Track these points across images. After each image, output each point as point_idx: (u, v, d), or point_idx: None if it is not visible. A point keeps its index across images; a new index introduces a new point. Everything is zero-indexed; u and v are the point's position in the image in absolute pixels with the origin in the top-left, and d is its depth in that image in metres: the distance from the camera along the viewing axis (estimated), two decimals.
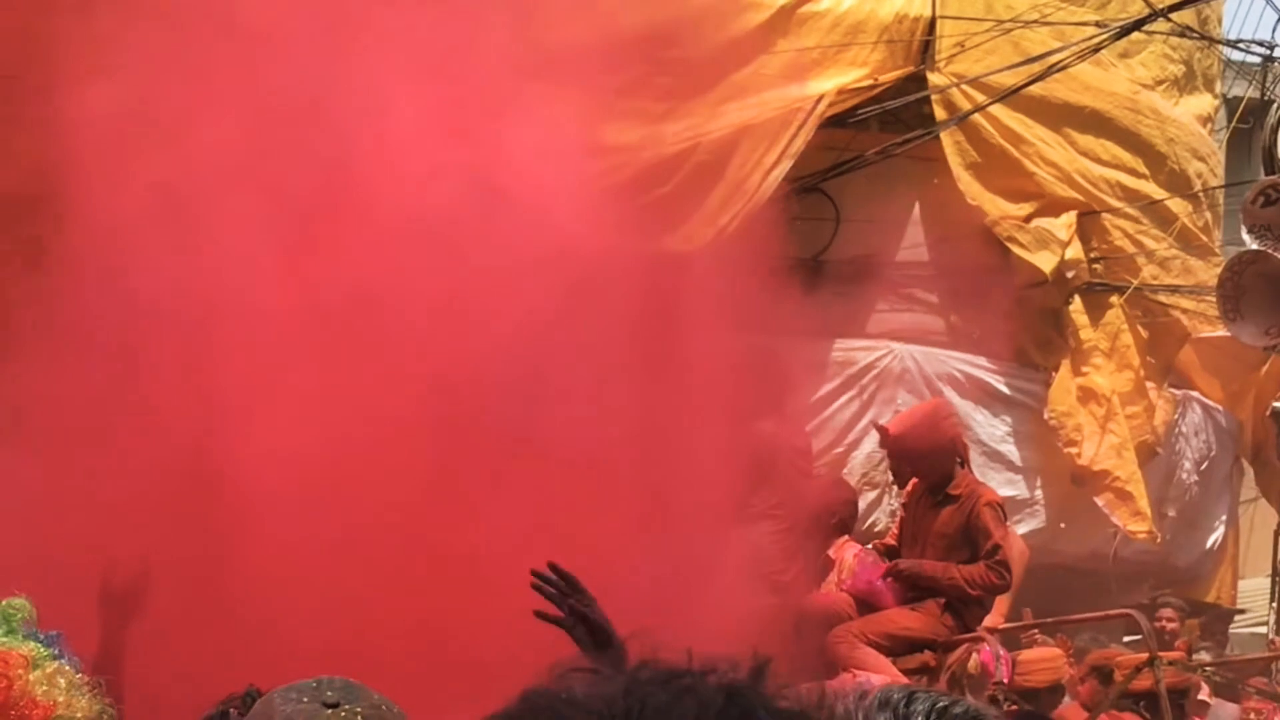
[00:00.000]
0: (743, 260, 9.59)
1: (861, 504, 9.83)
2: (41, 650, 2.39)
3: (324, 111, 6.65)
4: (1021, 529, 10.23)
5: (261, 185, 6.31)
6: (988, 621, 7.87)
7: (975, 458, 10.28)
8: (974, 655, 7.63)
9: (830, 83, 10.02)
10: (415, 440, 6.13)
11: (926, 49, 10.28)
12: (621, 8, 9.61)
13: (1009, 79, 10.33)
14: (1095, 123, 10.93)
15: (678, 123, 9.78)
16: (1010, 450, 10.70)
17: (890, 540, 8.21)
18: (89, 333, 6.04)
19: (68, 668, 2.41)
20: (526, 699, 1.04)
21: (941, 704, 1.63)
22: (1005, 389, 10.72)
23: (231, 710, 2.61)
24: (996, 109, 10.42)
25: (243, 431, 5.95)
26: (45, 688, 2.33)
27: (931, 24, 10.27)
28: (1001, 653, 7.79)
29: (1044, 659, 8.37)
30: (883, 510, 10.17)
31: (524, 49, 8.82)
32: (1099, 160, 10.94)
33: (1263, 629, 12.45)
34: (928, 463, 7.72)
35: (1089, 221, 10.87)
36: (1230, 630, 12.58)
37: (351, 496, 5.94)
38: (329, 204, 6.49)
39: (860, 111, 10.20)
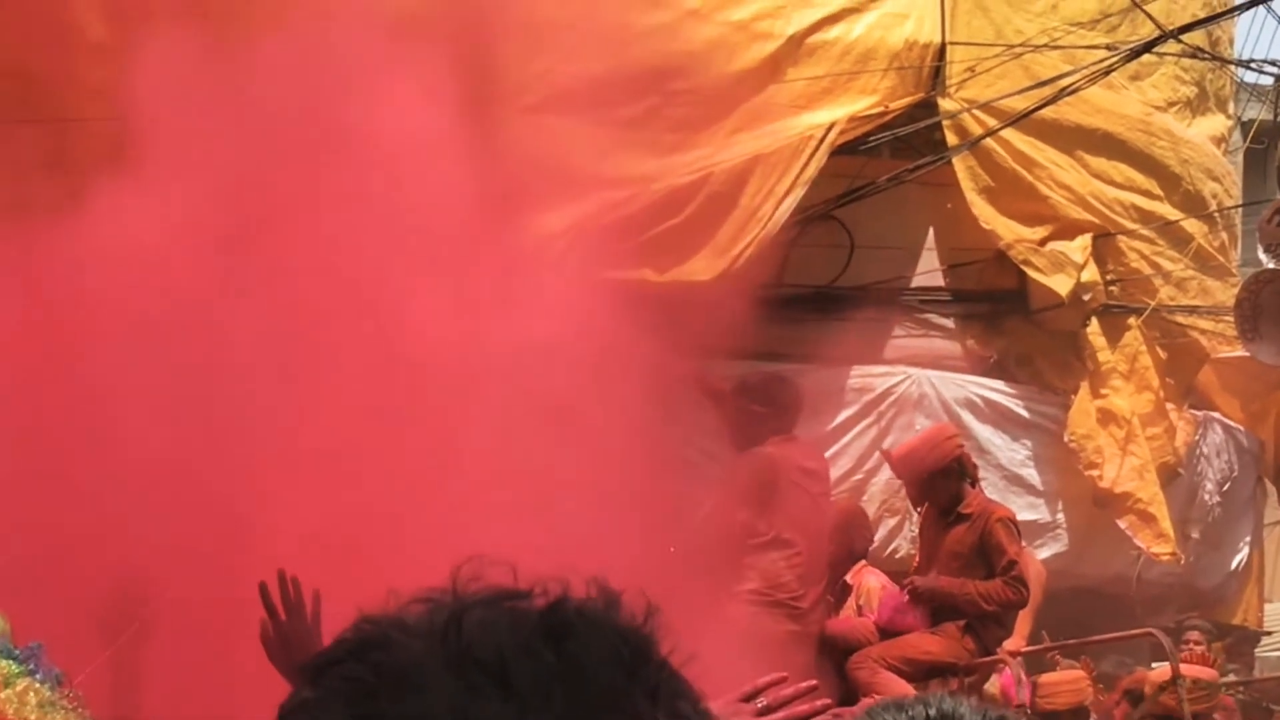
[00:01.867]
0: (757, 289, 9.64)
1: (882, 531, 9.83)
2: (14, 668, 2.41)
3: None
4: (1044, 553, 10.19)
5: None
6: (1009, 644, 7.85)
7: (996, 482, 10.30)
8: (994, 678, 7.61)
9: (841, 110, 10.06)
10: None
11: (937, 75, 10.30)
12: (632, 40, 9.68)
13: (1020, 103, 10.34)
14: (1108, 145, 10.93)
15: (689, 153, 9.83)
16: (1031, 474, 10.67)
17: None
18: (78, 346, 6.09)
19: (40, 685, 2.42)
20: (359, 627, 1.06)
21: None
22: (1024, 412, 10.70)
23: None
24: (1008, 133, 10.44)
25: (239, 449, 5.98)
26: (16, 706, 2.35)
27: (941, 50, 10.30)
28: (1023, 676, 7.76)
29: (1067, 681, 8.34)
30: (903, 537, 10.13)
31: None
32: (1113, 182, 10.94)
33: None
34: (933, 484, 7.73)
35: (1104, 243, 10.87)
36: (1256, 653, 12.50)
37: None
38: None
39: (872, 138, 10.23)
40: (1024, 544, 8.91)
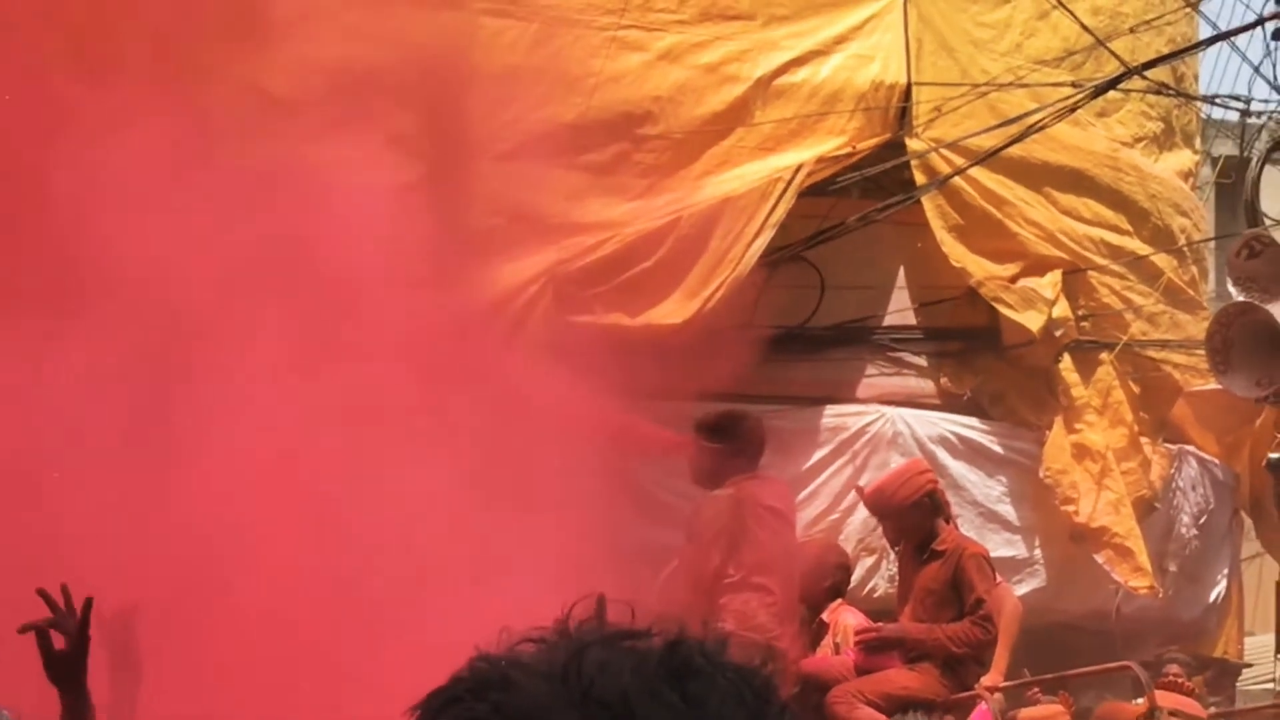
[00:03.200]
0: (729, 331, 9.68)
1: (859, 569, 9.84)
2: None
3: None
4: (1022, 589, 10.19)
5: None
6: (986, 680, 7.85)
7: (972, 519, 10.32)
8: (972, 714, 7.61)
9: (809, 152, 10.14)
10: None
11: (904, 115, 10.38)
12: (600, 86, 9.76)
13: (987, 141, 10.43)
14: (1076, 181, 11.02)
15: (659, 198, 9.91)
16: (1007, 510, 10.69)
17: None
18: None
19: None
20: (474, 666, 1.06)
21: None
22: (999, 449, 10.73)
23: None
24: (977, 171, 10.51)
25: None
26: None
27: (908, 90, 10.38)
28: (1001, 712, 7.76)
29: (1045, 717, 8.34)
30: (881, 576, 10.15)
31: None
32: (1081, 219, 11.02)
33: (1270, 684, 12.36)
34: (905, 519, 7.75)
35: (1075, 279, 10.93)
36: (1238, 686, 12.50)
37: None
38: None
39: (840, 179, 10.30)
40: (1001, 579, 8.93)
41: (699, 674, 1.03)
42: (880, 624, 7.85)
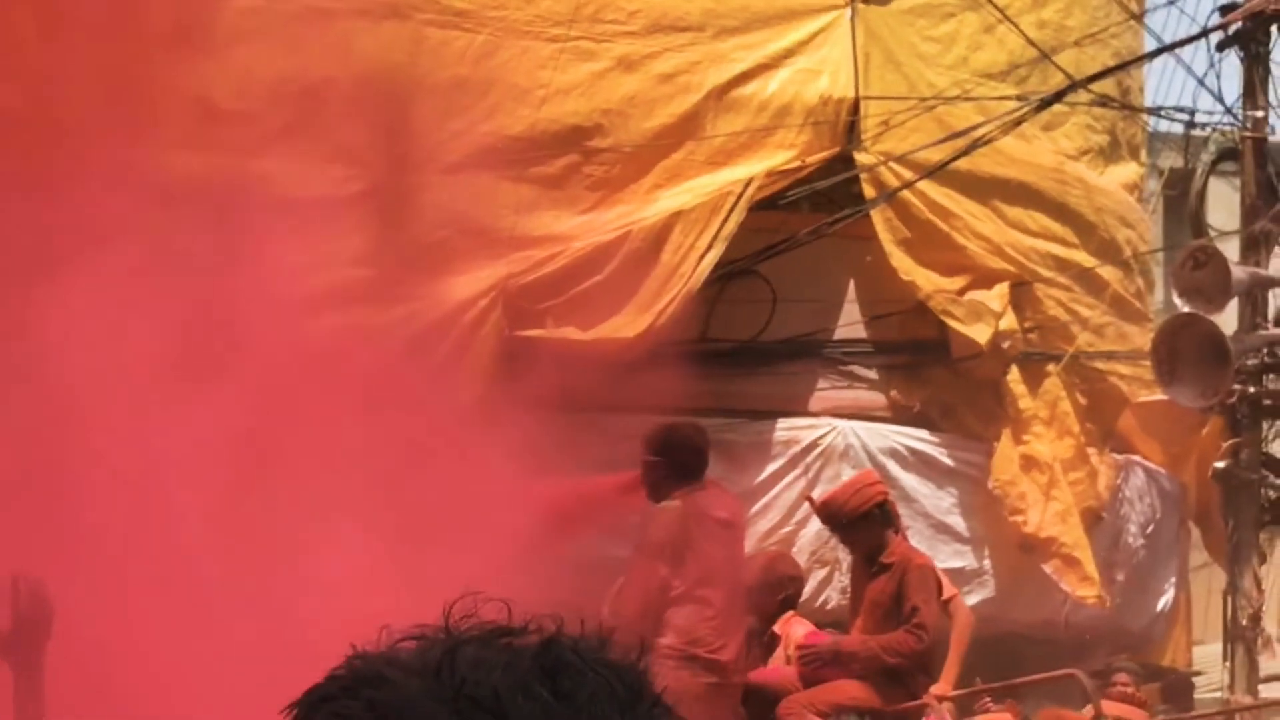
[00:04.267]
0: (680, 345, 9.68)
1: (811, 582, 9.85)
2: None
3: None
4: (971, 599, 10.21)
5: None
6: (936, 689, 7.87)
7: (922, 530, 10.34)
8: None
9: (759, 166, 10.16)
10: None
11: (852, 129, 10.42)
12: (550, 98, 9.75)
13: (935, 155, 10.48)
14: (1023, 194, 11.07)
15: (610, 211, 9.91)
16: (957, 521, 10.72)
17: None
18: None
19: None
20: (351, 663, 1.05)
21: None
22: (948, 461, 10.76)
23: None
24: (925, 185, 10.56)
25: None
26: None
27: (855, 104, 10.42)
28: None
29: None
30: (833, 588, 10.16)
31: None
32: (1028, 231, 11.07)
33: (1219, 693, 12.43)
34: (855, 530, 7.78)
35: (1022, 292, 10.99)
36: (1196, 697, 12.56)
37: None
38: None
39: (790, 193, 10.33)
40: (955, 590, 8.96)
41: (570, 670, 1.03)
42: (816, 641, 7.87)
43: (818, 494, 9.59)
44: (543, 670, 1.03)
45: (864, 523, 7.73)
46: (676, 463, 7.75)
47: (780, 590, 8.39)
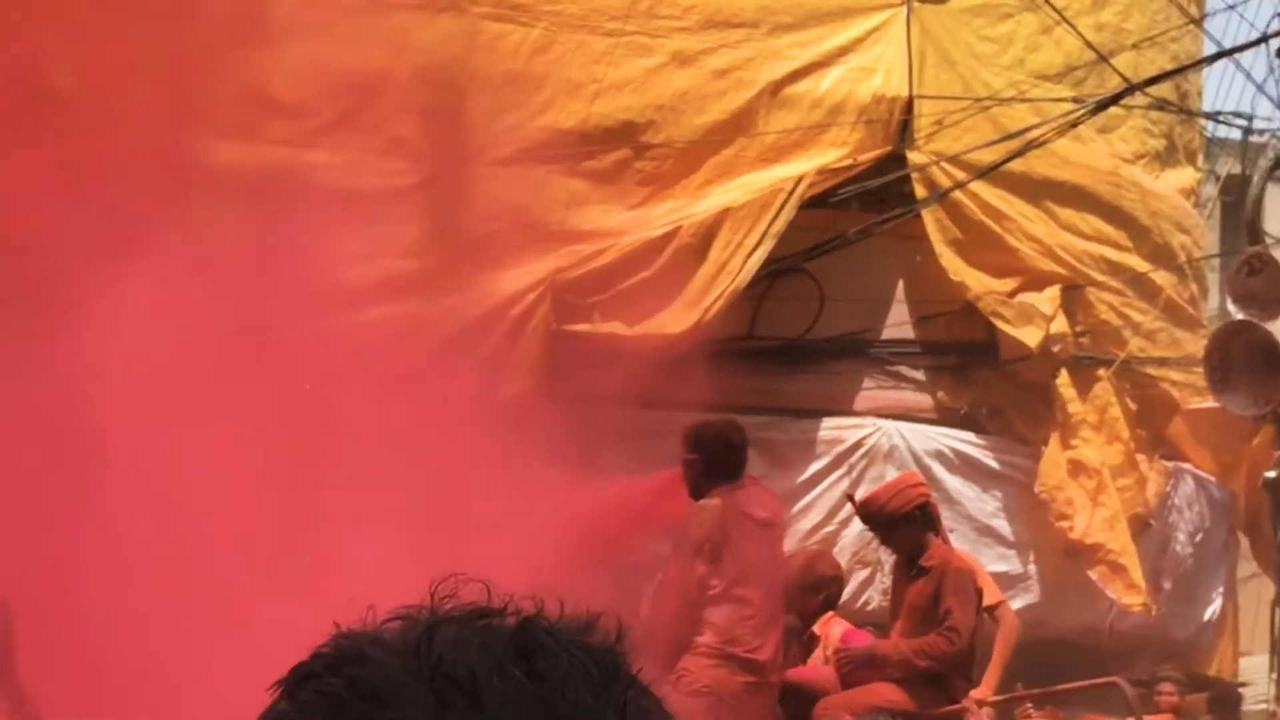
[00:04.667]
0: (727, 342, 9.69)
1: (853, 583, 9.82)
2: None
3: None
4: (1015, 604, 10.15)
5: None
6: (976, 694, 7.84)
7: (966, 533, 10.31)
8: None
9: (810, 163, 10.13)
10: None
11: (905, 128, 10.38)
12: (603, 93, 9.76)
13: (988, 156, 10.42)
14: (1077, 197, 11.00)
15: (659, 206, 9.90)
16: (1001, 525, 10.68)
17: None
18: None
19: None
20: (336, 641, 1.09)
21: None
22: (995, 464, 10.72)
23: None
24: (977, 186, 10.50)
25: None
26: None
27: (909, 103, 10.38)
28: None
29: None
30: (875, 589, 10.14)
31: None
32: (1081, 234, 11.00)
33: (1265, 704, 12.34)
34: (895, 532, 7.74)
35: (1073, 295, 10.92)
36: (1244, 709, 12.46)
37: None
38: None
39: (841, 191, 10.29)
40: (1003, 596, 8.93)
41: (545, 651, 1.06)
42: (853, 639, 7.86)
43: (860, 494, 9.58)
44: (518, 651, 1.05)
45: (904, 524, 7.70)
46: (713, 460, 7.74)
47: (820, 590, 8.38)
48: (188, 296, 6.24)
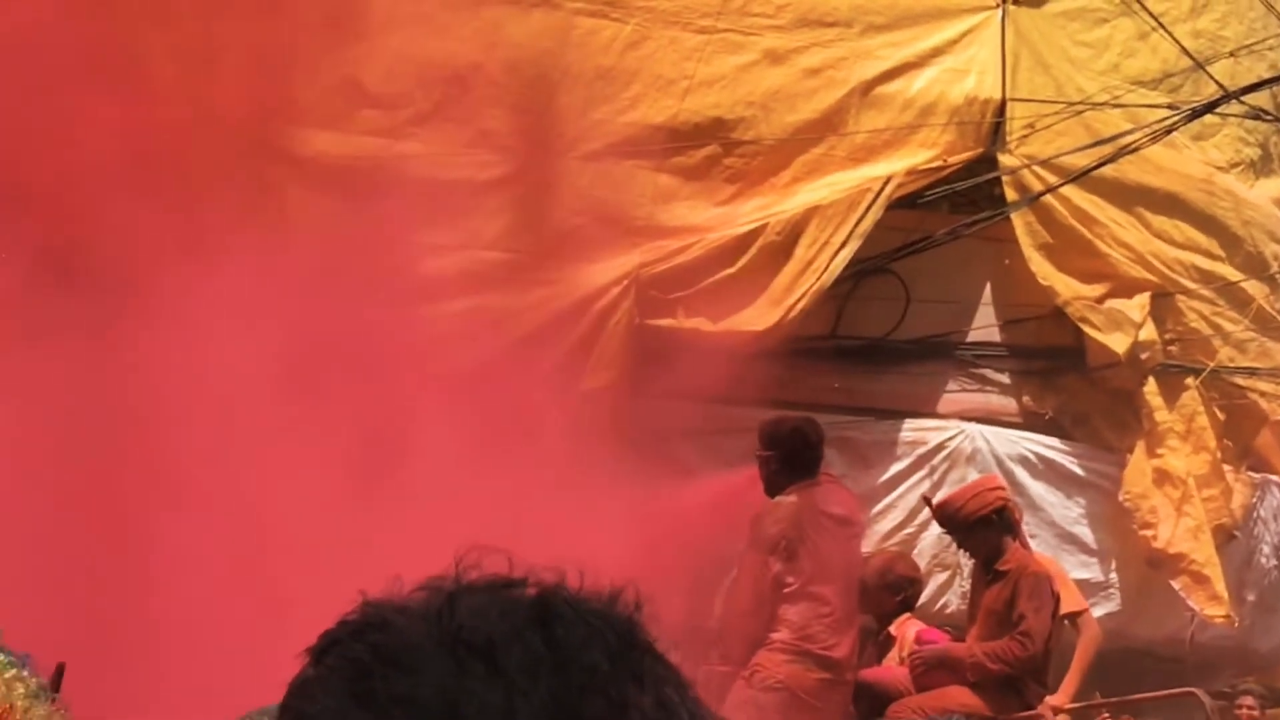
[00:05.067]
0: (808, 340, 9.69)
1: (931, 586, 9.80)
2: (2, 658, 2.52)
3: None
4: (1096, 612, 10.08)
5: None
6: (1052, 700, 7.82)
7: (1048, 539, 10.24)
8: None
9: (900, 164, 10.11)
10: None
11: (997, 130, 10.32)
12: (693, 90, 9.79)
13: (1080, 160, 10.34)
14: (1169, 204, 10.90)
15: (747, 203, 9.91)
16: (1084, 532, 10.60)
17: None
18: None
19: (28, 676, 2.52)
20: (362, 609, 1.13)
21: None
22: (1079, 470, 10.64)
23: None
24: (1068, 190, 10.43)
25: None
26: (3, 693, 2.45)
27: (1002, 106, 10.32)
28: None
29: None
30: (953, 592, 10.09)
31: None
32: (1173, 242, 10.90)
33: None
34: (972, 535, 7.72)
35: (1163, 303, 10.82)
36: None
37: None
38: None
39: (930, 192, 10.25)
40: (1087, 605, 8.89)
41: (563, 619, 1.09)
42: (929, 637, 7.85)
43: (940, 497, 9.57)
44: (537, 619, 1.09)
45: (980, 527, 7.68)
46: (789, 456, 7.76)
47: (897, 591, 8.37)
48: (279, 286, 6.34)
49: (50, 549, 5.90)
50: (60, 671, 3.31)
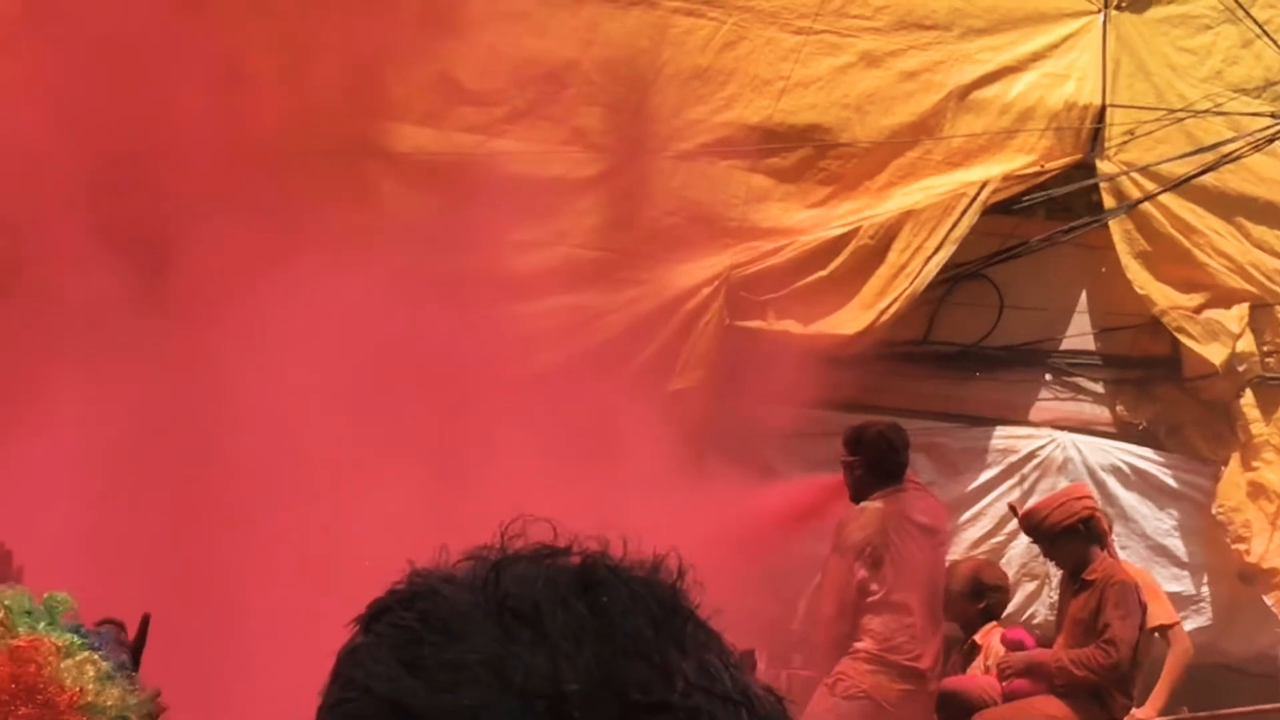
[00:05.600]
0: (900, 345, 9.64)
1: (1019, 595, 9.72)
2: (75, 640, 2.53)
3: None
4: (1186, 626, 9.97)
5: None
6: (1139, 713, 7.73)
7: (1139, 551, 10.13)
8: None
9: (996, 169, 10.03)
10: None
11: (1096, 137, 10.22)
12: (789, 91, 9.77)
13: (1180, 168, 10.22)
14: (1270, 214, 10.73)
15: (840, 206, 9.87)
16: (1176, 545, 10.47)
17: None
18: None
19: (100, 658, 2.52)
20: (411, 578, 1.16)
21: None
22: (1172, 482, 10.51)
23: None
24: (1167, 198, 10.31)
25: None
26: (74, 675, 2.45)
27: (1101, 112, 10.22)
28: None
29: None
30: (1041, 602, 10.01)
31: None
32: (1273, 252, 10.73)
33: None
34: (1057, 544, 7.65)
35: (1262, 314, 10.65)
36: None
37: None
38: None
39: (1026, 198, 10.17)
40: (1178, 618, 8.78)
41: (606, 586, 1.11)
42: (1014, 638, 7.79)
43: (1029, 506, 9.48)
44: (581, 586, 1.11)
45: (1066, 537, 7.60)
46: (874, 462, 7.72)
47: (982, 599, 8.31)
48: (371, 283, 6.40)
49: (136, 554, 5.98)
50: (145, 624, 3.31)
